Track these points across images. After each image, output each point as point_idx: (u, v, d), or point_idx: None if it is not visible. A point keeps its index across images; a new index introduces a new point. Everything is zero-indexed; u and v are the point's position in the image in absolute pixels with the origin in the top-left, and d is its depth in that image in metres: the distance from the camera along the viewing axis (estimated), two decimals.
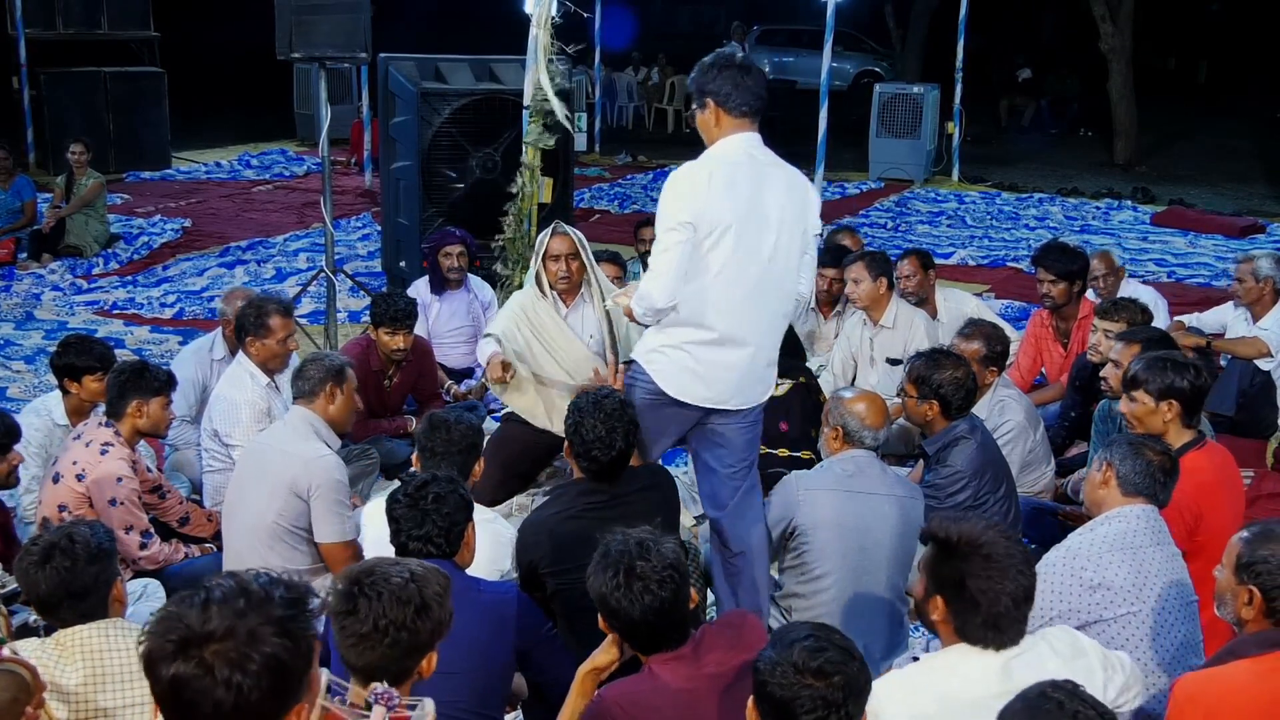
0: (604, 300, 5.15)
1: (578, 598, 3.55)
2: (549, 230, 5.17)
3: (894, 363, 5.70)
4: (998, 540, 2.63)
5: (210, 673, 1.70)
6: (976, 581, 2.59)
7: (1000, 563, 2.59)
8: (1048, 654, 2.68)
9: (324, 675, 2.04)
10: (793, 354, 5.09)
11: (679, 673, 2.70)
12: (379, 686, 2.26)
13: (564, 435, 5.18)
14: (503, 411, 5.48)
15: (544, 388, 5.18)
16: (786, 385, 4.88)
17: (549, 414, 5.12)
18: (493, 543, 3.64)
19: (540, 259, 5.13)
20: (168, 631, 1.73)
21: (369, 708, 2.20)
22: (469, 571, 3.17)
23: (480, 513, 3.44)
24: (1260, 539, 2.79)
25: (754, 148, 3.73)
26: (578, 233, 5.19)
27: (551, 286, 5.11)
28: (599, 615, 2.79)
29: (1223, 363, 6.02)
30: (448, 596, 2.43)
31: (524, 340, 5.08)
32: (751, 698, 2.30)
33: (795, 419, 4.84)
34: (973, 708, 2.57)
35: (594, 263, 5.23)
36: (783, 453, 4.79)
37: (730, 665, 2.72)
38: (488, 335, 5.18)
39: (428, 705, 2.26)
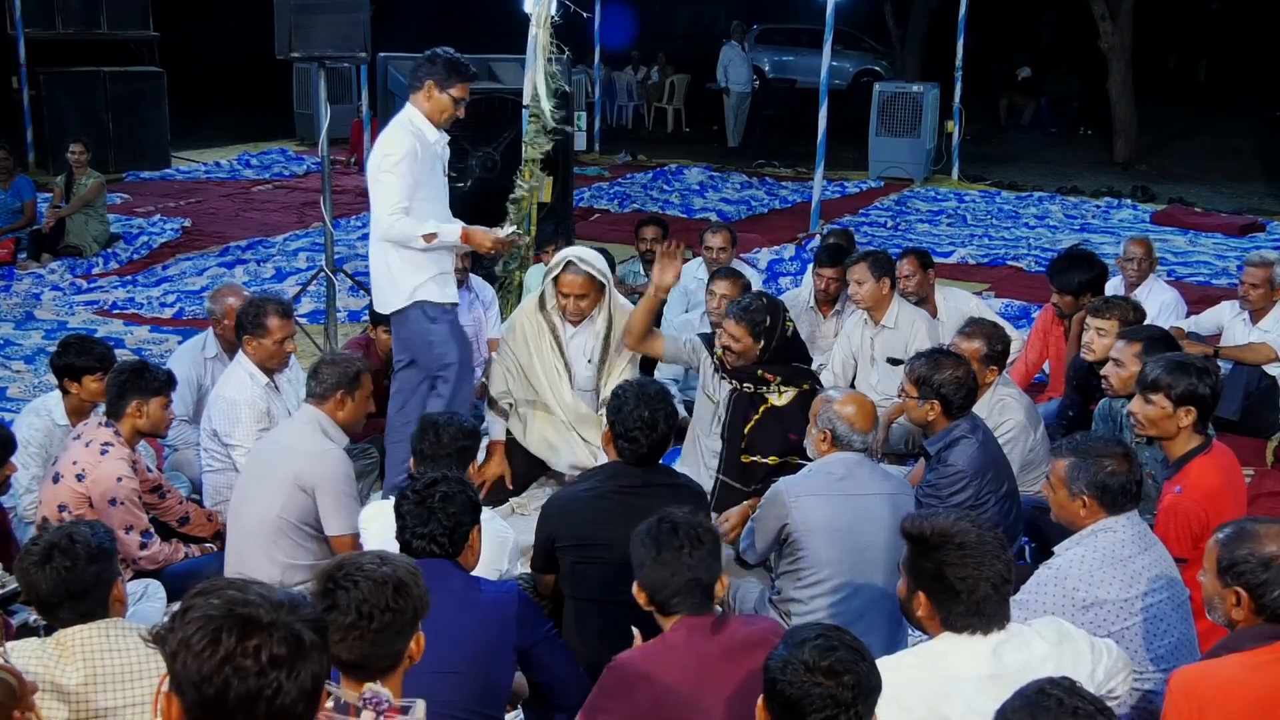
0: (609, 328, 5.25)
1: (591, 580, 3.60)
2: (563, 261, 5.19)
3: (895, 363, 5.69)
4: (969, 529, 2.68)
5: (299, 645, 1.71)
6: (955, 570, 2.64)
7: (974, 550, 2.64)
8: (1034, 638, 2.73)
9: None
10: (798, 359, 5.05)
11: (692, 643, 2.81)
12: (369, 690, 2.26)
13: (558, 467, 5.26)
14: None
15: (544, 422, 5.23)
16: (791, 393, 4.84)
17: (548, 449, 5.21)
18: (491, 542, 3.65)
19: (551, 281, 5.20)
20: (232, 631, 1.70)
21: (359, 713, 2.19)
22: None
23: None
24: (1236, 539, 2.79)
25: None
26: (595, 262, 5.18)
27: (557, 308, 5.24)
28: (635, 584, 2.92)
29: (1223, 365, 5.99)
30: (419, 576, 2.43)
31: (526, 372, 5.25)
32: (761, 697, 2.32)
33: (802, 428, 4.82)
34: (959, 683, 2.62)
35: (613, 292, 5.28)
36: (794, 460, 4.77)
37: (744, 641, 2.83)
38: (492, 404, 5.35)
39: (419, 707, 2.26)
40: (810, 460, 4.76)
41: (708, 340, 5.06)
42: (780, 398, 4.83)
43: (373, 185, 4.86)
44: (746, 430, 4.82)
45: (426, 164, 4.90)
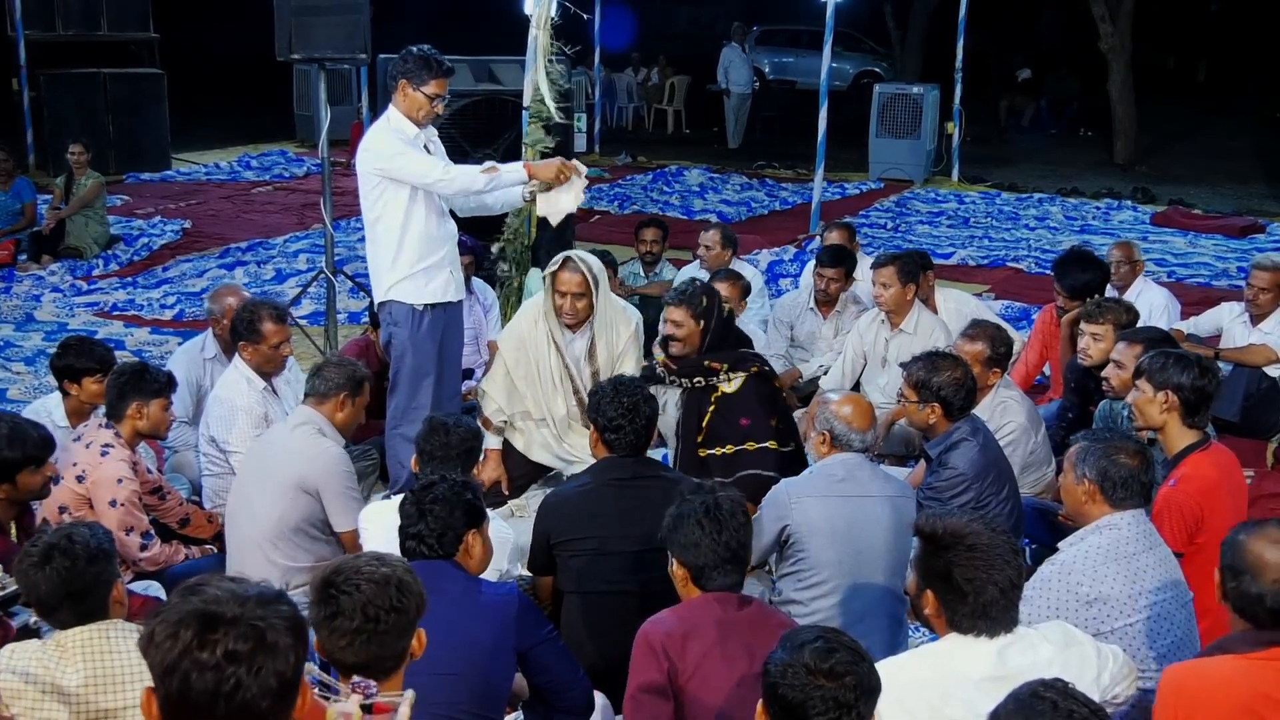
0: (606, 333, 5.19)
1: (588, 573, 3.62)
2: (560, 259, 5.08)
3: None
4: (982, 532, 2.70)
5: (260, 642, 1.72)
6: (963, 571, 2.65)
7: (985, 553, 2.66)
8: (1040, 642, 2.73)
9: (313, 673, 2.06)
10: (739, 343, 5.07)
11: (719, 607, 2.96)
12: (357, 677, 2.26)
13: (555, 466, 5.25)
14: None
15: (538, 428, 5.22)
16: (740, 379, 4.86)
17: (544, 450, 5.21)
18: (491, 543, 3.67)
19: (549, 284, 5.06)
20: (191, 625, 1.72)
21: (348, 697, 2.20)
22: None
23: None
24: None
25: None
26: (592, 264, 5.03)
27: (556, 314, 5.07)
28: (674, 559, 3.04)
29: (1223, 367, 5.98)
30: (414, 572, 2.45)
31: (517, 382, 5.17)
32: (761, 702, 2.33)
33: (755, 411, 4.85)
34: (963, 685, 2.62)
35: (608, 295, 5.15)
36: (750, 447, 4.80)
37: (766, 618, 2.99)
38: (487, 419, 5.23)
39: (407, 694, 2.26)
40: (769, 441, 4.81)
41: (645, 374, 5.04)
42: (730, 384, 4.86)
43: (395, 172, 4.82)
44: (704, 424, 4.84)
45: None
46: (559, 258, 5.11)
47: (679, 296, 4.97)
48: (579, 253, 5.17)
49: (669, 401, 4.97)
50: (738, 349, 5.01)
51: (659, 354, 5.01)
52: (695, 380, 4.88)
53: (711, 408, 4.84)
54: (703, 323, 4.90)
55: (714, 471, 4.79)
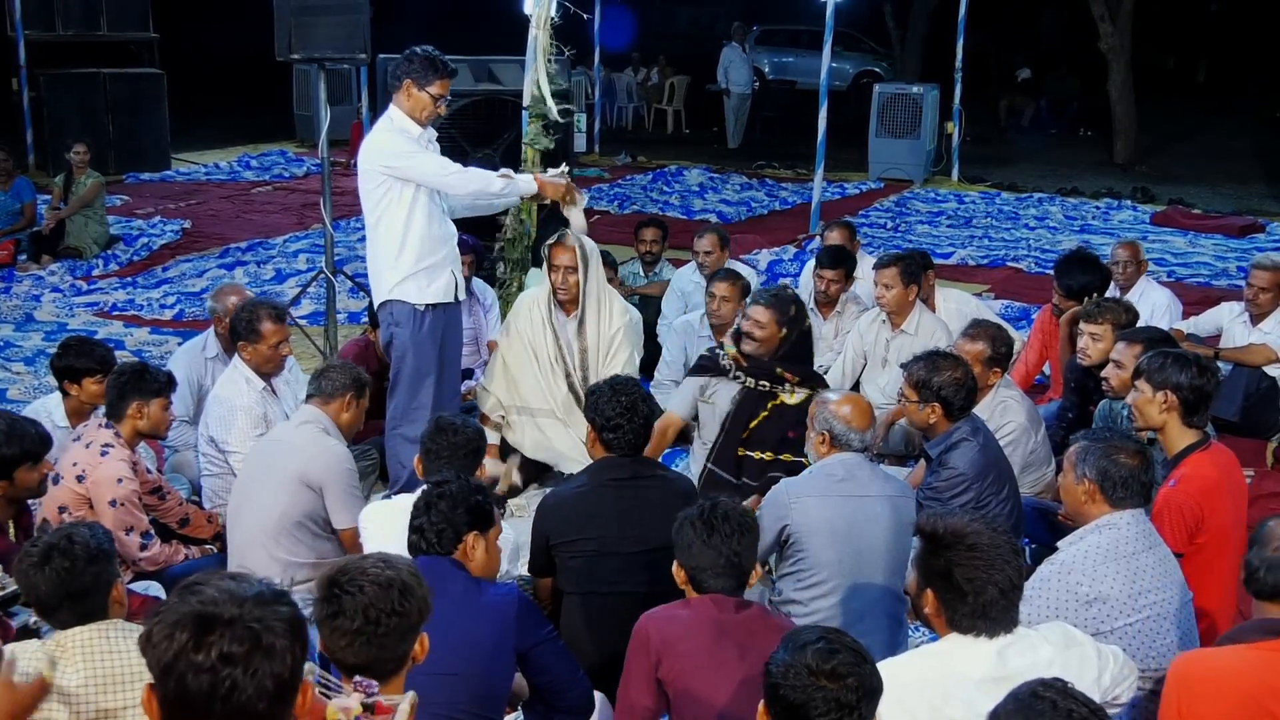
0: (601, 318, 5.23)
1: (587, 574, 3.63)
2: (558, 234, 5.28)
3: None
4: (983, 532, 2.70)
5: (256, 644, 1.72)
6: (963, 571, 2.65)
7: (986, 553, 2.66)
8: (1040, 642, 2.73)
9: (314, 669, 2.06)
10: (809, 359, 5.07)
11: (716, 609, 2.98)
12: (359, 677, 2.27)
13: (551, 463, 5.26)
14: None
15: (537, 422, 5.23)
16: (803, 395, 4.84)
17: (540, 448, 5.21)
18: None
19: (547, 258, 5.26)
20: (186, 627, 1.72)
21: (349, 695, 2.20)
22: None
23: None
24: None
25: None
26: (586, 242, 5.23)
27: (553, 293, 5.23)
28: (675, 562, 3.06)
29: (1223, 367, 5.98)
30: (421, 577, 2.44)
31: (514, 371, 5.22)
32: (762, 703, 2.33)
33: (803, 426, 4.84)
34: (962, 685, 2.62)
35: (600, 277, 5.25)
36: (787, 458, 4.79)
37: (763, 623, 2.98)
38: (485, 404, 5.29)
39: (408, 695, 2.26)
40: (804, 457, 4.79)
41: (704, 362, 5.06)
42: (793, 397, 4.85)
43: (407, 171, 4.85)
44: (752, 425, 4.83)
45: None
46: (557, 234, 5.30)
47: (768, 298, 4.93)
48: (576, 233, 5.30)
49: (719, 393, 4.95)
50: (808, 365, 5.01)
51: (730, 347, 4.98)
52: (760, 382, 4.86)
53: (765, 413, 4.84)
54: (784, 330, 4.87)
55: (746, 471, 4.81)
